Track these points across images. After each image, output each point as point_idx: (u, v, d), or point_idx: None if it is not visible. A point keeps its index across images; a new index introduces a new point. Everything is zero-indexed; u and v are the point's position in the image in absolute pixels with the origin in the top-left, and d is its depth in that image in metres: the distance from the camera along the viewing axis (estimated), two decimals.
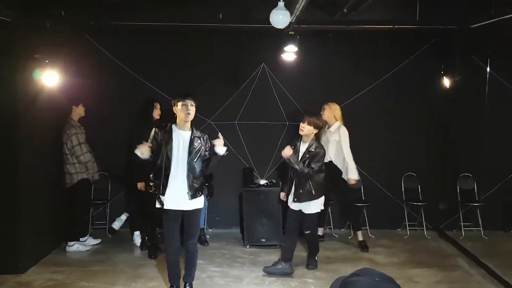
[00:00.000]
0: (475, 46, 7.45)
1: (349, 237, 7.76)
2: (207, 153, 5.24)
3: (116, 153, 7.63)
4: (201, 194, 5.30)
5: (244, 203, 7.35)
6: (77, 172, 6.91)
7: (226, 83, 8.01)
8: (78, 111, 7.04)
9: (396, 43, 7.81)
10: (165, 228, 5.36)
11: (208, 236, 7.54)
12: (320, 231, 7.62)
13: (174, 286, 5.43)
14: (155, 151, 5.15)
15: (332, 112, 7.18)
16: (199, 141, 5.20)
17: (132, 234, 7.35)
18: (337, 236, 7.91)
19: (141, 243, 7.12)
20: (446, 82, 7.57)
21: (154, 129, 5.31)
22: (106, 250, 7.10)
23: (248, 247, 7.23)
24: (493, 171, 7.92)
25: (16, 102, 5.94)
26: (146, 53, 7.88)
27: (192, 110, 5.17)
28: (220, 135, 5.33)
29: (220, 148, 5.24)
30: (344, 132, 7.10)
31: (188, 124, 5.22)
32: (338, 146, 7.10)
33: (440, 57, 7.74)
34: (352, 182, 7.13)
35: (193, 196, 5.17)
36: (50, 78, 6.10)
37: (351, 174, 7.07)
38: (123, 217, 7.63)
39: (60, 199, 6.95)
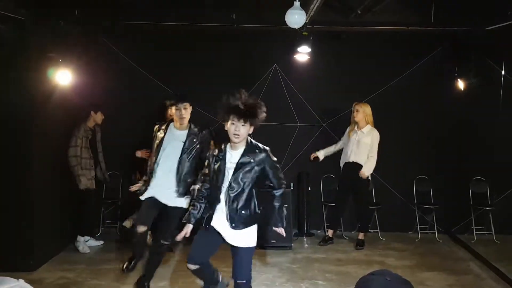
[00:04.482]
0: (490, 48, 7.38)
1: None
2: (203, 152, 5.16)
3: (128, 153, 7.63)
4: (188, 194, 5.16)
5: None
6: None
7: (238, 84, 7.89)
8: (95, 118, 7.07)
9: (410, 44, 7.76)
10: (141, 209, 5.19)
11: None
12: (331, 233, 7.62)
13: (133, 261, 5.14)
14: (154, 146, 5.27)
15: (364, 114, 7.29)
16: (195, 139, 5.21)
17: None
18: (347, 238, 7.88)
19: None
20: (460, 84, 7.52)
21: (155, 124, 5.42)
22: (117, 249, 7.12)
23: (257, 248, 7.19)
24: (506, 175, 7.83)
25: (30, 101, 5.95)
26: (159, 53, 7.89)
27: (186, 113, 5.17)
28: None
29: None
30: (377, 136, 7.31)
31: (184, 124, 5.24)
32: (367, 148, 7.29)
33: (454, 59, 7.69)
34: (364, 176, 7.26)
35: (181, 193, 5.11)
36: (63, 77, 6.14)
37: (368, 169, 7.27)
38: (135, 216, 7.62)
39: (71, 198, 6.97)
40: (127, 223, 7.57)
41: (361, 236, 7.51)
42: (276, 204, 4.22)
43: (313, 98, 8.06)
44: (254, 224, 4.20)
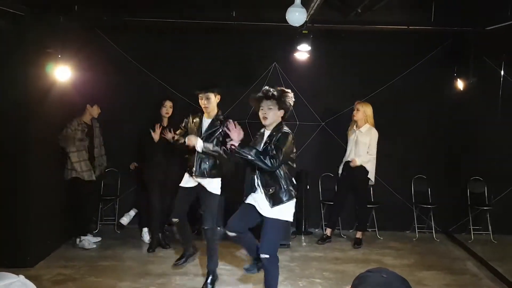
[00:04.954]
0: (489, 48, 7.37)
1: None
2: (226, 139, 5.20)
3: (126, 149, 7.64)
4: (213, 176, 5.36)
5: None
6: (70, 169, 6.80)
7: (237, 81, 7.98)
8: (91, 112, 6.95)
9: (410, 44, 7.74)
10: (175, 201, 5.62)
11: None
12: (329, 232, 7.62)
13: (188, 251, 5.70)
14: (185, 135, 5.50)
15: (364, 114, 7.29)
16: (216, 122, 5.38)
17: (141, 231, 7.36)
18: (345, 237, 7.88)
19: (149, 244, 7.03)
20: (459, 84, 7.51)
21: (189, 115, 5.62)
22: (114, 246, 7.10)
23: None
24: (504, 175, 7.84)
25: (28, 96, 5.93)
26: (158, 50, 7.87)
27: (209, 102, 5.33)
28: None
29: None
30: (376, 134, 7.32)
31: (212, 112, 5.40)
32: (365, 147, 7.30)
33: (453, 59, 7.69)
34: (356, 163, 7.27)
35: (199, 174, 5.34)
36: (62, 73, 6.12)
37: (361, 161, 7.28)
38: (132, 213, 7.62)
39: (70, 195, 6.95)
40: (124, 220, 7.57)
41: (359, 235, 7.52)
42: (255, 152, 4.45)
43: (313, 97, 8.04)
44: (284, 201, 4.57)
